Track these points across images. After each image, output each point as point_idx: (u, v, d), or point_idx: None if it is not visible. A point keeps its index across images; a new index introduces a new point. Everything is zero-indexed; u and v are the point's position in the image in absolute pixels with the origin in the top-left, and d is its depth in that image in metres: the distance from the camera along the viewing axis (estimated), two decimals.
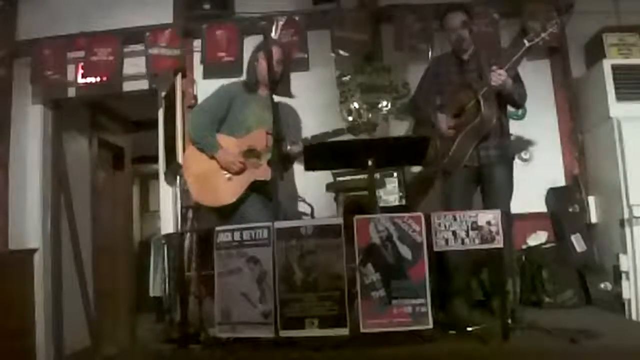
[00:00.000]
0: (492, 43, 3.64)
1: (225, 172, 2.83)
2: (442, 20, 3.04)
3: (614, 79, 3.33)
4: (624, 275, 3.13)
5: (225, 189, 2.81)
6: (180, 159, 3.31)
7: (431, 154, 2.76)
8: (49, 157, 4.10)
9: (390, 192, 3.34)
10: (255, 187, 2.81)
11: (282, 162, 2.87)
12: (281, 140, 2.65)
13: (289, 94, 3.04)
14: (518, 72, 2.96)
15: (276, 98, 2.75)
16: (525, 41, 2.74)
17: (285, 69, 2.99)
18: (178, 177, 3.54)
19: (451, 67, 3.03)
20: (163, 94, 3.92)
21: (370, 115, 3.80)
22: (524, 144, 3.66)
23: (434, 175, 3.13)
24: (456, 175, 2.92)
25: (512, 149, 3.10)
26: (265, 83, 2.90)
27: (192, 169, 2.91)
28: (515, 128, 3.39)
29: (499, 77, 2.71)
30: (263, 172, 2.77)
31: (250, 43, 3.52)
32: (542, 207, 3.62)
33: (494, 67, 2.74)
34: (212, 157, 2.84)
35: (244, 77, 3.13)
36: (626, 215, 3.14)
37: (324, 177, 3.49)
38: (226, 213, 2.81)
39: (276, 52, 2.90)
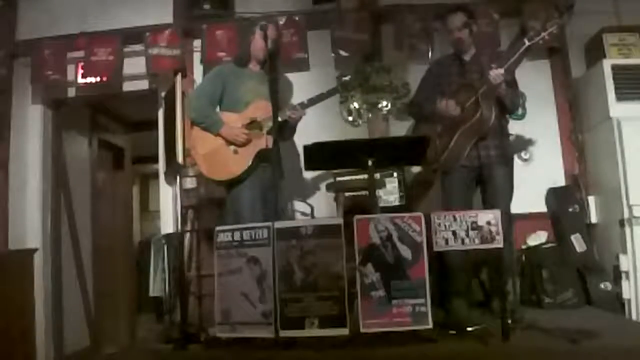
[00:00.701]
0: (492, 43, 3.64)
1: (232, 146, 2.91)
2: (443, 21, 3.04)
3: (614, 79, 3.33)
4: (624, 275, 3.13)
5: (235, 162, 2.89)
6: (180, 159, 3.30)
7: (431, 154, 2.76)
8: (49, 157, 4.10)
9: (390, 192, 3.34)
10: (262, 157, 2.87)
11: (282, 132, 2.95)
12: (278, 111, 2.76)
13: (276, 72, 3.06)
14: (515, 78, 2.96)
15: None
16: (525, 40, 2.74)
17: (277, 48, 3.06)
18: (178, 177, 3.54)
19: (452, 68, 3.03)
20: (163, 94, 3.91)
21: (370, 115, 3.80)
22: (524, 144, 3.66)
23: (431, 174, 3.14)
24: (455, 176, 2.92)
25: (512, 149, 3.10)
26: (258, 59, 3.03)
27: (200, 149, 2.99)
28: (515, 128, 3.40)
29: (497, 75, 2.71)
30: (265, 141, 2.85)
31: None
32: (542, 207, 3.60)
33: (493, 66, 2.74)
34: (218, 135, 2.92)
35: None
36: (626, 215, 3.15)
37: (324, 177, 3.50)
38: (234, 186, 2.89)
39: (271, 30, 2.96)
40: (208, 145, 2.94)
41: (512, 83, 2.91)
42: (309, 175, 3.65)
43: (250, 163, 2.86)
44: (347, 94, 3.81)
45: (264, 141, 2.86)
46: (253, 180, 2.87)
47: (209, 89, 3.06)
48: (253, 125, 2.90)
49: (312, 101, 2.93)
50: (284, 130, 2.97)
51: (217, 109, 3.06)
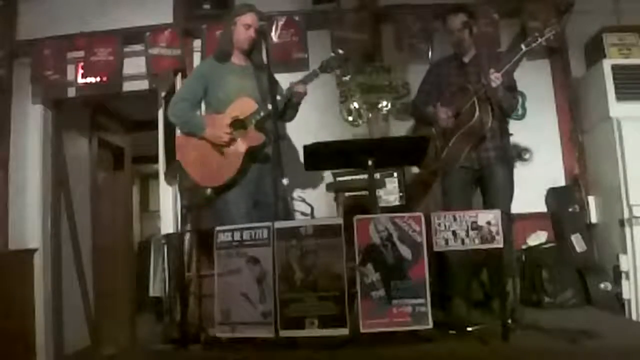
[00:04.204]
0: (492, 44, 3.64)
1: (219, 150, 2.79)
2: (444, 21, 3.04)
3: (614, 79, 3.33)
4: (624, 275, 3.13)
5: (224, 165, 2.78)
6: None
7: (429, 157, 2.76)
8: (49, 157, 4.10)
9: (390, 192, 3.34)
10: (254, 156, 2.80)
11: (284, 114, 2.93)
12: (275, 98, 2.71)
13: (261, 61, 2.98)
14: (514, 80, 2.96)
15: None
16: (523, 46, 2.75)
17: (258, 37, 2.91)
18: (178, 177, 3.54)
19: (451, 70, 3.03)
20: (163, 94, 3.92)
21: (370, 115, 3.80)
22: (524, 144, 3.66)
23: (429, 176, 3.14)
24: (455, 176, 2.93)
25: (512, 149, 3.10)
26: (242, 49, 2.90)
27: (187, 156, 2.87)
28: (515, 128, 3.39)
29: (497, 80, 2.72)
30: (254, 138, 2.77)
31: None
32: (542, 207, 3.62)
33: (491, 70, 2.74)
34: (202, 138, 2.81)
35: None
36: (626, 215, 3.15)
37: (324, 177, 3.50)
38: (228, 190, 2.80)
39: (253, 19, 2.86)
40: (195, 150, 2.83)
41: (510, 86, 2.92)
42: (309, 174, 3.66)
43: (240, 166, 2.76)
44: (346, 90, 3.82)
45: (251, 139, 2.76)
46: (244, 182, 2.79)
47: (188, 91, 2.91)
48: (236, 124, 2.78)
49: (308, 79, 2.86)
50: (286, 112, 2.93)
51: (202, 110, 2.96)
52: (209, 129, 2.79)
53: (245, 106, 2.79)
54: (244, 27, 2.86)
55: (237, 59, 2.94)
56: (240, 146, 2.78)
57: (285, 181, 2.58)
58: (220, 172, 2.78)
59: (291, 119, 3.06)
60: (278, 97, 2.80)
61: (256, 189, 2.82)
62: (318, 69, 2.90)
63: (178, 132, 3.04)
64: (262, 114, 2.75)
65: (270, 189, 2.63)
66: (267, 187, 2.73)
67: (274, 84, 2.92)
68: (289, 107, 2.93)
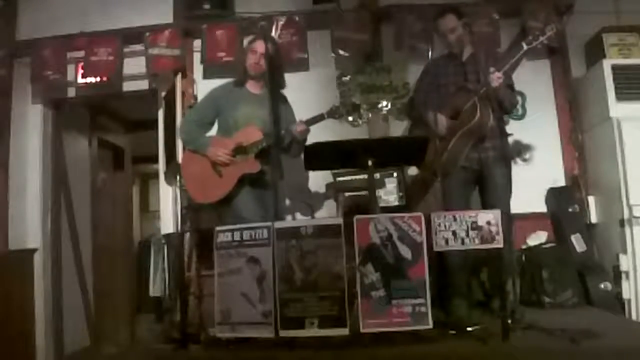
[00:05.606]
0: (492, 43, 3.64)
1: (217, 170, 2.90)
2: (435, 24, 3.04)
3: (614, 79, 3.33)
4: (624, 275, 3.14)
5: (217, 185, 2.89)
6: (180, 159, 3.32)
7: (429, 157, 2.76)
8: (49, 157, 4.11)
9: (390, 192, 3.34)
10: (249, 181, 2.86)
11: (290, 149, 2.97)
12: (279, 131, 2.75)
13: (280, 87, 3.02)
14: (513, 80, 2.96)
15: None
16: (524, 44, 2.74)
17: (275, 64, 2.92)
18: (178, 177, 3.54)
19: (449, 69, 3.02)
20: (163, 94, 3.92)
21: (370, 115, 3.80)
22: (524, 144, 3.65)
23: (429, 176, 3.14)
24: (455, 176, 2.92)
25: (511, 149, 3.10)
26: (255, 78, 2.96)
27: (188, 171, 3.02)
28: (515, 128, 3.40)
29: (497, 79, 2.71)
30: (250, 166, 2.84)
31: None
32: (542, 207, 3.62)
33: (492, 69, 2.74)
34: (204, 156, 2.93)
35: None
36: (626, 215, 3.15)
37: (324, 177, 3.50)
38: (223, 210, 2.92)
39: (260, 46, 2.89)
40: (196, 167, 2.96)
41: (509, 85, 2.91)
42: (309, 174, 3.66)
43: (231, 187, 2.84)
44: (346, 90, 3.82)
45: (249, 165, 2.84)
46: (243, 195, 2.86)
47: (199, 113, 3.06)
48: (238, 150, 2.88)
49: (314, 120, 2.90)
50: (292, 147, 2.97)
51: (212, 131, 3.06)
52: (211, 148, 2.90)
53: (250, 135, 2.86)
54: (251, 53, 2.93)
55: (251, 86, 3.02)
56: (238, 170, 2.86)
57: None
58: (211, 191, 2.90)
59: (296, 156, 3.03)
60: (283, 132, 2.85)
61: (249, 214, 2.83)
62: (326, 113, 2.92)
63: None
64: (264, 144, 2.81)
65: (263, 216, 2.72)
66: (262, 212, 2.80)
67: (286, 113, 3.00)
68: (294, 142, 2.95)
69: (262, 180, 2.88)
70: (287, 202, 3.35)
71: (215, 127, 3.07)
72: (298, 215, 3.60)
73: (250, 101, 2.96)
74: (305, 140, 2.93)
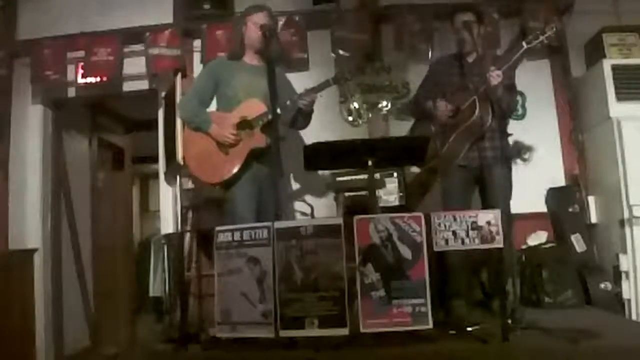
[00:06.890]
0: (492, 43, 3.64)
1: (223, 148, 2.82)
2: (451, 18, 3.02)
3: (614, 79, 3.33)
4: (624, 275, 3.14)
5: (226, 163, 2.80)
6: (180, 159, 3.31)
7: (428, 154, 2.76)
8: (49, 157, 4.10)
9: (390, 192, 3.34)
10: (255, 157, 2.80)
11: (296, 122, 2.92)
12: (276, 105, 2.67)
13: (276, 60, 2.99)
14: (514, 81, 2.95)
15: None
16: (524, 43, 2.74)
17: (273, 35, 2.91)
18: (178, 177, 3.54)
19: (453, 69, 3.02)
20: (163, 94, 3.92)
21: (370, 115, 3.80)
22: (524, 144, 3.65)
23: (429, 175, 3.13)
24: (455, 176, 2.92)
25: (511, 149, 3.09)
26: (255, 48, 2.90)
27: (191, 150, 2.92)
28: (515, 128, 3.39)
29: (497, 78, 2.71)
30: (258, 140, 2.78)
31: None
32: (542, 207, 3.62)
33: (492, 68, 2.74)
34: (207, 134, 2.84)
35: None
36: (626, 215, 3.15)
37: (324, 177, 3.50)
38: (230, 187, 2.82)
39: (262, 17, 2.86)
40: (199, 146, 2.86)
41: (510, 85, 2.91)
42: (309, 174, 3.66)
43: (241, 164, 2.77)
44: (346, 90, 3.81)
45: (256, 140, 2.78)
46: (248, 180, 2.80)
47: (199, 88, 2.95)
48: (243, 124, 2.80)
49: (320, 87, 2.82)
50: (297, 119, 2.93)
51: (212, 107, 2.98)
52: (214, 126, 2.82)
53: (254, 108, 2.80)
54: (255, 26, 2.85)
55: (249, 58, 2.95)
56: (245, 146, 2.79)
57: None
58: (220, 169, 2.81)
59: (303, 127, 3.03)
60: (288, 103, 2.80)
61: (258, 190, 2.82)
62: (331, 79, 2.85)
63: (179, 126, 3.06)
64: (270, 116, 2.73)
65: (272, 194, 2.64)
66: (269, 189, 2.73)
67: (285, 86, 2.94)
68: (300, 114, 2.91)
69: (264, 155, 2.76)
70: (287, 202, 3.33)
71: (214, 104, 2.99)
72: (298, 216, 3.60)
73: (248, 72, 2.89)
74: (312, 111, 2.89)
